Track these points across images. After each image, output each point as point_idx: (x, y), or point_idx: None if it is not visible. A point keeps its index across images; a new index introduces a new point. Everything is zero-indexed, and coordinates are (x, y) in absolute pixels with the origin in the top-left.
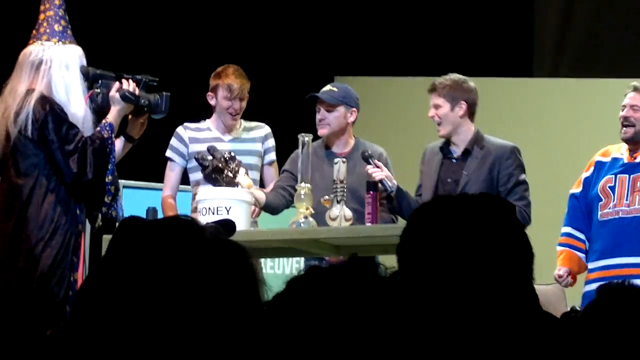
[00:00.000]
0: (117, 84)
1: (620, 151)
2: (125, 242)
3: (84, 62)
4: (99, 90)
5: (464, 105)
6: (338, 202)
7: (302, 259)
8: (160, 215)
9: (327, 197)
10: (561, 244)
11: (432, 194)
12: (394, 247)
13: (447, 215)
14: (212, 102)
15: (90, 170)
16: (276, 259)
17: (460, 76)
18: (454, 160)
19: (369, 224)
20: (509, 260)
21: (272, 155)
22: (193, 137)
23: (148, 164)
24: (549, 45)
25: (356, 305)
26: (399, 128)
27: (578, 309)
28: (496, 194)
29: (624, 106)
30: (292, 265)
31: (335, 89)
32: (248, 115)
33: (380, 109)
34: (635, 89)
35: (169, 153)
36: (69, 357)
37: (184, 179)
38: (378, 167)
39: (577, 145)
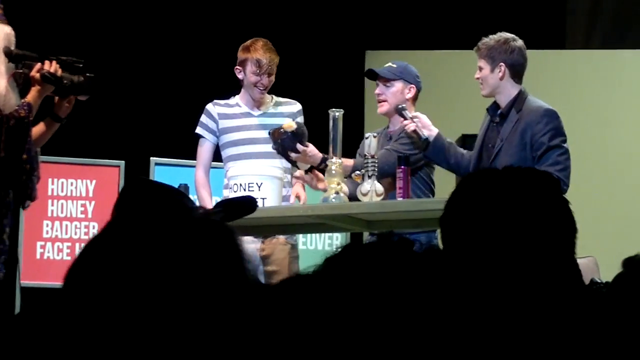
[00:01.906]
0: (38, 64)
1: None
2: (120, 220)
3: (12, 41)
4: (21, 71)
5: (502, 66)
6: (369, 177)
7: (336, 234)
8: (192, 193)
9: (358, 172)
10: None
11: (477, 157)
12: (426, 221)
13: (491, 189)
14: (240, 76)
15: (2, 147)
16: (308, 235)
17: (505, 35)
18: (495, 125)
19: (400, 199)
20: (553, 234)
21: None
22: (222, 112)
23: (180, 140)
24: (581, 16)
25: (396, 282)
26: (432, 102)
27: (598, 281)
28: (531, 161)
29: None
30: (325, 241)
31: (394, 65)
32: (278, 91)
33: None
34: None
35: (199, 130)
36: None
37: (217, 156)
38: (413, 118)
39: (610, 117)
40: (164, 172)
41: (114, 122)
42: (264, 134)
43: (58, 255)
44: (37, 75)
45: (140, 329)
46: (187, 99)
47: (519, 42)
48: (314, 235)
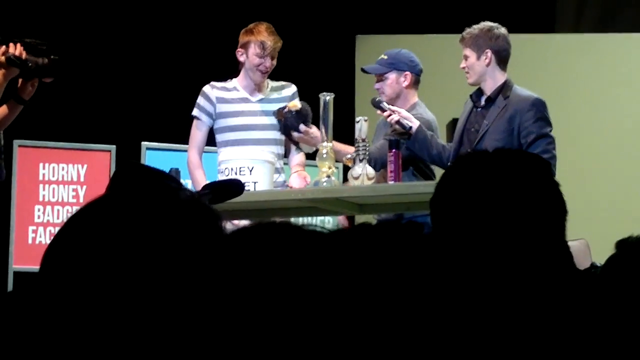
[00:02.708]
0: (3, 47)
1: None
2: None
3: None
4: None
5: (489, 53)
6: (360, 160)
7: (329, 218)
8: (184, 177)
9: (349, 156)
10: None
11: (458, 141)
12: (417, 204)
13: (481, 170)
14: (242, 58)
15: None
16: (300, 219)
17: (488, 24)
18: (479, 109)
19: (391, 182)
20: (543, 216)
21: None
22: (220, 96)
23: (171, 124)
24: (571, 1)
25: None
26: (423, 86)
27: (598, 265)
28: (517, 147)
29: None
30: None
31: (385, 57)
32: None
33: None
34: None
35: (195, 112)
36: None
37: (209, 140)
38: (392, 111)
39: (600, 101)
40: (155, 156)
41: (105, 106)
42: (262, 120)
43: (50, 239)
44: (2, 58)
45: (118, 311)
46: (178, 84)
47: (503, 30)
48: (305, 219)
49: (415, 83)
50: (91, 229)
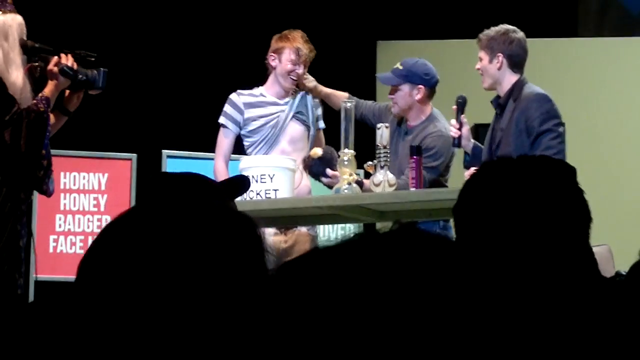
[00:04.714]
0: (55, 58)
1: None
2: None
3: (24, 32)
4: (37, 64)
5: (500, 57)
6: (382, 167)
7: (351, 225)
8: None
9: (370, 162)
10: None
11: (487, 149)
12: (438, 211)
13: (504, 178)
14: (274, 63)
15: (23, 142)
16: (321, 226)
17: (505, 27)
18: (497, 116)
19: (413, 189)
20: (568, 224)
21: (322, 122)
22: (248, 102)
23: (192, 133)
24: (593, 4)
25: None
26: (445, 92)
27: (623, 273)
28: (528, 147)
29: None
30: (338, 232)
31: (400, 67)
32: None
33: None
34: None
35: (222, 120)
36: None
37: (235, 148)
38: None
39: (623, 105)
40: (176, 164)
41: (125, 115)
42: (291, 120)
43: (71, 249)
44: (55, 69)
45: (154, 321)
46: (198, 91)
47: (520, 34)
48: (326, 226)
49: (429, 95)
50: (127, 238)
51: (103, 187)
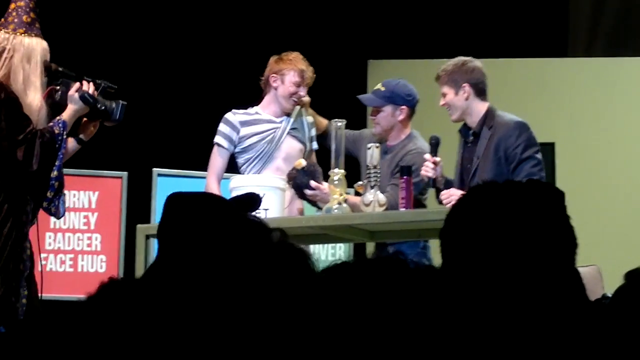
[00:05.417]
0: (77, 84)
1: None
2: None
3: (48, 57)
4: (58, 87)
5: (466, 87)
6: (372, 187)
7: (341, 244)
8: None
9: (360, 182)
10: None
11: (459, 179)
12: (428, 231)
13: (491, 203)
14: (275, 84)
15: (35, 162)
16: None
17: (462, 58)
18: (469, 145)
19: (402, 209)
20: (554, 250)
21: (315, 143)
22: (243, 120)
23: (183, 151)
24: (583, 25)
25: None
26: (435, 111)
27: (609, 296)
28: (507, 174)
29: None
30: (328, 251)
31: (382, 88)
32: None
33: (417, 92)
34: None
35: (218, 139)
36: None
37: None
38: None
39: (612, 125)
40: (167, 183)
41: (116, 133)
42: (287, 137)
43: (60, 267)
44: (76, 95)
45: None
46: (189, 110)
47: (477, 62)
48: (317, 245)
49: (410, 115)
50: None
51: (93, 205)
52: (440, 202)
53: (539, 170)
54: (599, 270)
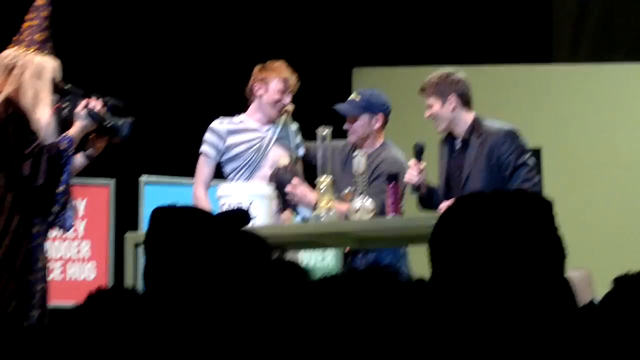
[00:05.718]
0: (85, 101)
1: None
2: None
3: (58, 75)
4: (66, 104)
5: (453, 97)
6: (359, 194)
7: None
8: None
9: (347, 190)
10: None
11: (444, 187)
12: (417, 238)
13: (480, 212)
14: (260, 92)
15: (41, 176)
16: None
17: (446, 70)
18: (456, 154)
19: (391, 216)
20: (543, 259)
21: (301, 150)
22: (230, 129)
23: (170, 159)
24: (567, 30)
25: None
26: (421, 118)
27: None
28: (500, 181)
29: None
30: (317, 257)
31: (357, 98)
32: None
33: (401, 99)
34: None
35: (204, 148)
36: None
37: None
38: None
39: (598, 131)
40: (154, 190)
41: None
42: (274, 145)
43: (49, 275)
44: (83, 112)
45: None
46: (176, 118)
47: (461, 73)
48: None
49: (384, 124)
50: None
51: (81, 213)
52: (423, 209)
53: (533, 175)
54: (589, 273)
